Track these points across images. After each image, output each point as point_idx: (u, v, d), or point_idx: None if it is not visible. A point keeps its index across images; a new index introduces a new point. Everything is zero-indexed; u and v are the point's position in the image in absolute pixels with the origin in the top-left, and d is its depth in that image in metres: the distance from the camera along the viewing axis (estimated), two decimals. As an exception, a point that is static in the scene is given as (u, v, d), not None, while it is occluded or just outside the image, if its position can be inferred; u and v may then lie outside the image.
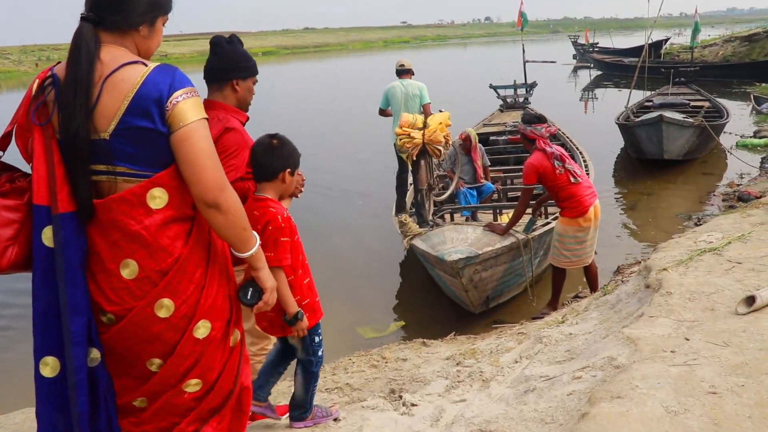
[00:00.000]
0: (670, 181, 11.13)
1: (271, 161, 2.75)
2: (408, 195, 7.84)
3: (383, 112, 8.17)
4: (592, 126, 16.85)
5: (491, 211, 7.91)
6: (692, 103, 15.58)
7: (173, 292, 1.92)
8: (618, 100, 22.42)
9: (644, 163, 11.96)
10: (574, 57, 45.15)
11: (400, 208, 7.58)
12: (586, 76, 34.97)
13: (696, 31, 20.00)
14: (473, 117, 13.76)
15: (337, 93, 30.59)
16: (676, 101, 15.63)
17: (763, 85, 22.75)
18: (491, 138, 11.54)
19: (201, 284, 1.98)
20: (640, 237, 8.43)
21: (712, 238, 3.88)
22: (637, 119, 11.99)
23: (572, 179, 5.31)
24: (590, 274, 5.65)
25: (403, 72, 7.99)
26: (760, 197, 9.23)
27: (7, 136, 2.00)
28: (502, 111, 14.44)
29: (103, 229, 1.88)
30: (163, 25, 2.10)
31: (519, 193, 9.03)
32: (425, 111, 7.60)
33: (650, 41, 18.60)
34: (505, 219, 7.70)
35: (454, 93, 24.84)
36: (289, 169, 2.80)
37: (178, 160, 1.89)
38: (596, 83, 31.28)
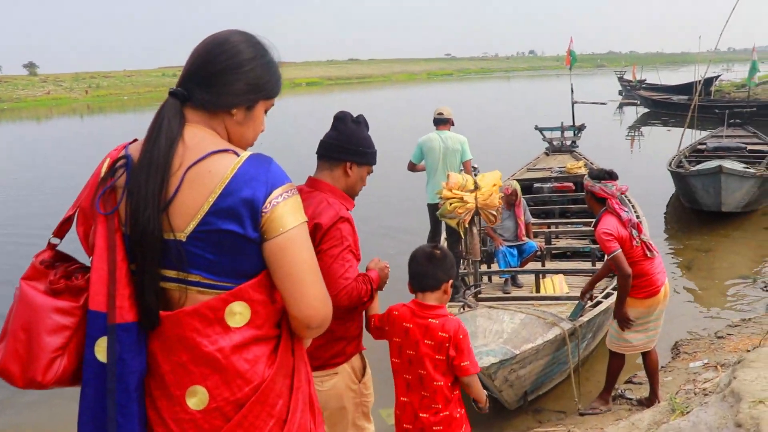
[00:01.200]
0: (728, 236, 10.26)
1: (435, 272, 2.82)
2: None
3: (413, 167, 7.25)
4: (640, 168, 15.93)
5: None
6: (749, 147, 14.73)
7: (248, 429, 1.59)
8: (666, 139, 21.55)
9: (698, 213, 11.12)
10: (620, 93, 44.20)
11: None
12: (633, 113, 34.03)
13: (754, 69, 19.09)
14: (516, 160, 13.05)
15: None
16: (731, 144, 14.80)
17: (827, 125, 21.67)
18: (535, 185, 10.81)
19: (282, 418, 1.66)
20: (701, 304, 7.58)
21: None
22: (693, 168, 11.16)
23: (648, 253, 4.54)
24: (650, 364, 4.82)
25: (441, 122, 7.10)
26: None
27: (68, 221, 1.70)
28: (547, 154, 13.63)
29: (169, 347, 1.58)
30: (266, 112, 1.80)
31: (563, 250, 8.34)
32: (465, 169, 6.81)
33: (701, 78, 17.93)
34: (548, 285, 6.94)
35: (495, 132, 24.24)
36: (452, 280, 2.89)
37: (274, 272, 1.59)
38: (643, 121, 30.34)
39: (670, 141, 18.58)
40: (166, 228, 1.54)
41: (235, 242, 1.54)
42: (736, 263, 9.01)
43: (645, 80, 43.37)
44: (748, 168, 10.91)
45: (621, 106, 37.84)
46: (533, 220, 8.23)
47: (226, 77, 1.64)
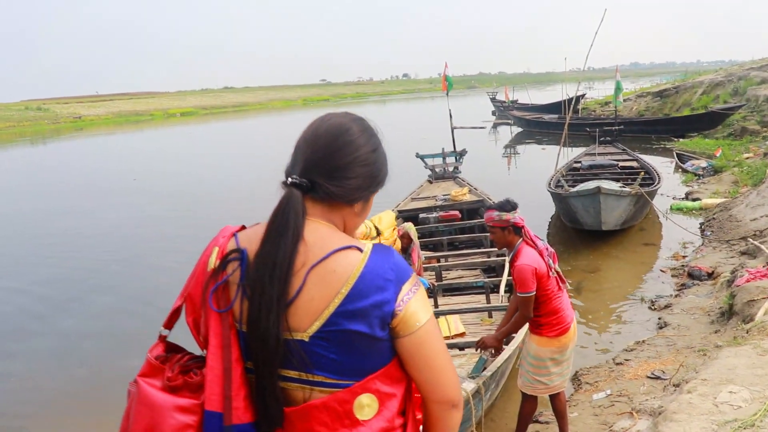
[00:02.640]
0: (610, 254, 10.47)
1: None
2: None
3: None
4: (519, 188, 16.16)
5: None
6: (621, 164, 15.37)
7: None
8: (541, 158, 22.18)
9: (580, 232, 11.34)
10: (493, 113, 45.58)
11: None
12: (507, 132, 35.02)
13: (618, 90, 20.02)
14: (399, 189, 12.85)
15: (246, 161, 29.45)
16: (604, 162, 15.42)
17: (681, 140, 23.05)
18: (421, 216, 10.57)
19: None
20: (596, 328, 7.57)
21: (737, 398, 2.95)
22: (573, 189, 11.39)
23: (560, 285, 4.28)
24: (559, 405, 4.59)
25: None
26: (712, 273, 8.63)
27: (177, 311, 1.64)
28: (431, 182, 13.55)
29: None
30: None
31: (455, 285, 8.09)
32: None
33: (568, 97, 18.70)
34: (443, 326, 6.66)
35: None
36: None
37: (413, 364, 1.56)
38: (517, 141, 31.22)
39: (545, 159, 19.07)
40: (285, 328, 1.48)
41: (361, 342, 1.48)
42: (623, 282, 9.14)
43: (517, 100, 44.99)
44: (624, 187, 11.24)
45: (495, 126, 38.95)
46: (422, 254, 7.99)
47: (354, 170, 1.59)
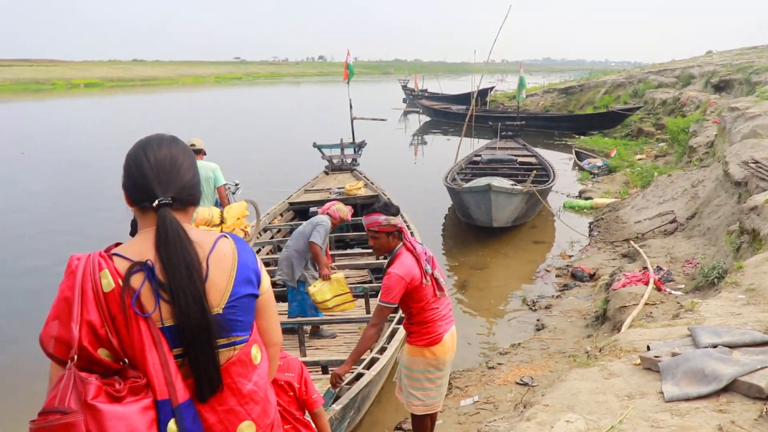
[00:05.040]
0: (500, 251, 10.55)
1: None
2: None
3: None
4: (421, 179, 16.17)
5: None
6: (519, 159, 15.57)
7: None
8: (446, 148, 22.34)
9: (473, 228, 11.39)
10: (404, 101, 45.70)
11: None
12: (416, 121, 35.16)
13: (522, 86, 20.32)
14: (293, 179, 12.52)
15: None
16: (503, 157, 15.59)
17: (582, 138, 23.66)
18: (311, 209, 10.04)
19: (281, 424, 2.19)
20: (476, 328, 7.57)
21: (572, 428, 2.87)
22: (466, 184, 11.41)
23: (438, 293, 4.04)
24: (430, 420, 4.43)
25: (194, 153, 6.97)
26: (594, 274, 8.79)
27: (67, 342, 1.71)
28: (327, 173, 13.22)
29: (216, 401, 1.85)
30: None
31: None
32: (219, 194, 7.12)
33: (477, 89, 18.85)
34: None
35: (280, 146, 23.81)
36: None
37: (263, 316, 2.03)
38: (424, 131, 31.42)
39: (450, 150, 19.22)
40: (208, 309, 1.81)
41: (251, 301, 1.93)
42: (509, 281, 9.20)
43: (426, 90, 45.20)
44: (515, 185, 11.33)
45: (405, 113, 39.04)
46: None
47: (193, 181, 1.96)
